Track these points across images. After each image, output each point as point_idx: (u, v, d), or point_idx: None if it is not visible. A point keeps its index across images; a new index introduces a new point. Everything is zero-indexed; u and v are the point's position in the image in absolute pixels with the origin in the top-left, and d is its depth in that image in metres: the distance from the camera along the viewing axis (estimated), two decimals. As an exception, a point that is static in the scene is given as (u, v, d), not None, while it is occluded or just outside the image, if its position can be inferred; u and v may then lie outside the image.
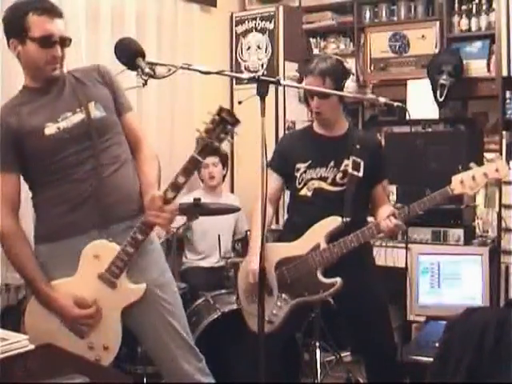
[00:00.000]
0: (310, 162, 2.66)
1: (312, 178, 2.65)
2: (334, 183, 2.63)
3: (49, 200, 2.15)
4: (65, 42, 2.09)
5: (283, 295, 2.61)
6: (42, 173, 2.13)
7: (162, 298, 2.17)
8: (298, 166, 2.67)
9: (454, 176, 2.44)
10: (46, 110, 2.11)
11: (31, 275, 2.09)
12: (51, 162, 2.10)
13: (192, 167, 2.00)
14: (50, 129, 2.09)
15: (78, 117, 2.11)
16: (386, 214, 2.49)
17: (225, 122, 1.93)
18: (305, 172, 2.66)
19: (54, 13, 2.05)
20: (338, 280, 2.51)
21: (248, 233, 3.44)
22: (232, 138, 1.96)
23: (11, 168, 2.11)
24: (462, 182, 2.42)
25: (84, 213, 2.10)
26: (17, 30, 2.04)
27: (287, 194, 2.87)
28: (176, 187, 2.01)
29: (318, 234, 2.57)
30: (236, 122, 1.94)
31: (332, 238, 2.55)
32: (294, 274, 2.59)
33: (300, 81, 2.53)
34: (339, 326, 3.28)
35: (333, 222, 2.56)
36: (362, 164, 2.61)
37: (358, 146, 2.63)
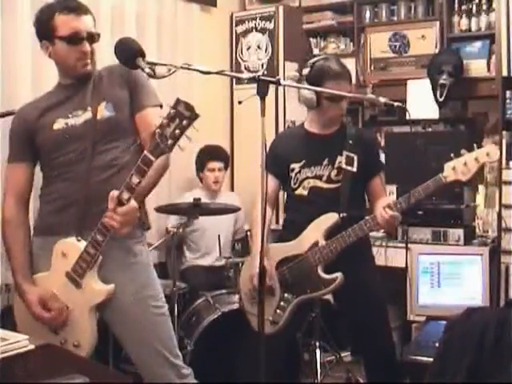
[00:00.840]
0: (304, 161, 2.66)
1: (307, 177, 2.65)
2: (329, 181, 2.63)
3: (46, 195, 2.20)
4: (93, 37, 2.11)
5: (286, 295, 2.62)
6: (45, 167, 2.19)
7: (138, 313, 2.13)
8: (292, 166, 2.67)
9: (446, 163, 2.44)
10: (62, 106, 2.14)
11: (14, 264, 2.14)
12: (52, 158, 2.13)
13: (145, 166, 1.87)
14: (58, 124, 2.12)
15: (87, 116, 2.12)
16: (381, 206, 2.49)
17: (180, 116, 1.78)
18: (299, 172, 2.66)
19: (80, 10, 2.08)
20: (339, 275, 2.52)
21: (248, 233, 3.45)
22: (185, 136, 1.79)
23: (19, 158, 2.17)
24: (454, 169, 2.42)
25: (68, 215, 2.11)
26: (46, 31, 2.09)
27: (285, 193, 2.87)
28: (130, 188, 1.91)
29: (315, 231, 2.58)
30: (193, 116, 1.78)
31: (330, 234, 2.56)
32: (295, 273, 2.60)
33: (315, 84, 2.49)
34: (339, 325, 3.28)
35: (330, 219, 2.57)
36: (355, 159, 2.61)
37: (350, 142, 2.63)
